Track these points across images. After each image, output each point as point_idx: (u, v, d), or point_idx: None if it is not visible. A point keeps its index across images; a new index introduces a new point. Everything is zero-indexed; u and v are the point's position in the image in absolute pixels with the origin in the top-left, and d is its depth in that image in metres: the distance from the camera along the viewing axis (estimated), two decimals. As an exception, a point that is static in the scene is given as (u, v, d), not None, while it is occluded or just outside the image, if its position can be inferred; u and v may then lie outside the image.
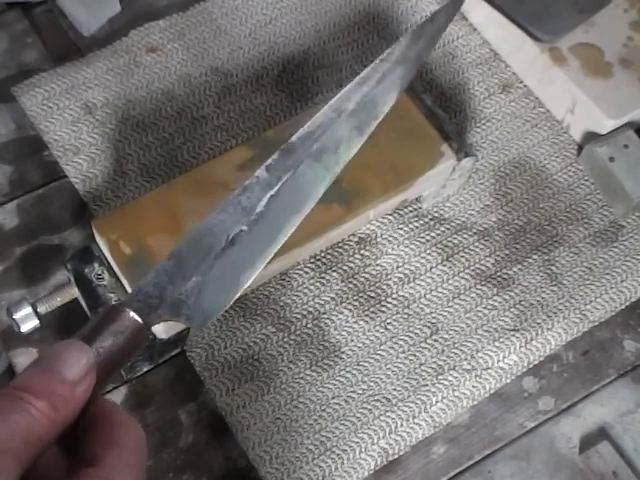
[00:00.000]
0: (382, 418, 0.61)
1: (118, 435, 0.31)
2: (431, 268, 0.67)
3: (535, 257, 0.68)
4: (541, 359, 0.65)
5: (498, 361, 0.64)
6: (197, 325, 0.38)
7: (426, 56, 0.47)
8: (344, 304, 0.65)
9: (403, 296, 0.65)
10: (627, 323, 0.68)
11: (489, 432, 0.63)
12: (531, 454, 0.63)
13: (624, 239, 0.70)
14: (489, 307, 0.66)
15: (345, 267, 0.66)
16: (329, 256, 0.66)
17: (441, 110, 0.65)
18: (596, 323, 0.67)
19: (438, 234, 0.68)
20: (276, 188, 0.42)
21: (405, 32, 0.47)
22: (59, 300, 0.57)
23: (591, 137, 0.71)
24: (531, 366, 0.65)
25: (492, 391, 0.64)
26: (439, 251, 0.68)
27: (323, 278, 0.65)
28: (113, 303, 0.35)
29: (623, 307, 0.68)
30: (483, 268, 0.67)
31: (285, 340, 0.63)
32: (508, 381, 0.64)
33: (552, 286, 0.67)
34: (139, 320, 0.34)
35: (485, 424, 0.63)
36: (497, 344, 0.64)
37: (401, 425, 0.61)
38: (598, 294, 0.67)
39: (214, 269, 0.38)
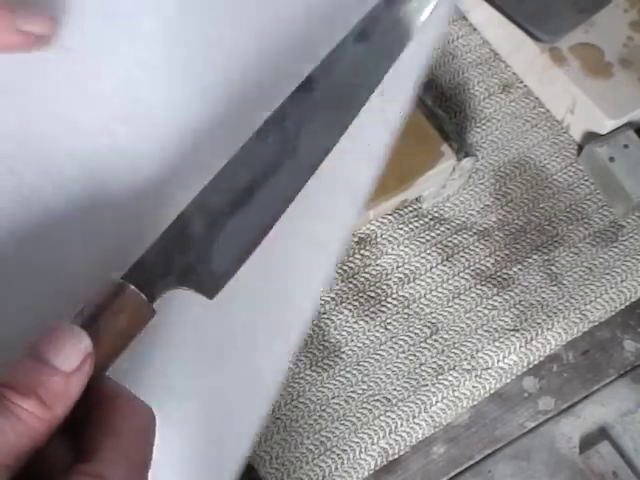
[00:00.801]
0: (382, 418, 0.61)
1: (116, 422, 0.27)
2: (431, 268, 0.67)
3: (535, 257, 0.68)
4: (541, 359, 0.65)
5: (498, 361, 0.64)
6: (208, 293, 0.35)
7: None
8: (344, 304, 0.65)
9: (403, 296, 0.65)
10: (627, 323, 0.68)
11: (489, 432, 0.63)
12: (531, 454, 0.63)
13: (624, 239, 0.70)
14: (489, 307, 0.66)
15: (345, 267, 0.66)
16: (329, 256, 0.66)
17: (441, 110, 0.66)
18: (596, 323, 0.67)
19: (438, 234, 0.68)
20: (293, 135, 0.36)
21: None
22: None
23: (591, 137, 0.71)
24: (531, 366, 0.65)
25: (492, 391, 0.64)
26: (439, 251, 0.68)
27: (323, 278, 0.65)
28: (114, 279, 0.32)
29: (623, 307, 0.68)
30: (483, 268, 0.67)
31: (285, 340, 0.63)
32: (508, 381, 0.64)
33: (552, 286, 0.67)
34: (142, 296, 0.31)
35: (485, 424, 0.63)
36: (497, 344, 0.64)
37: (401, 425, 0.61)
38: (598, 294, 0.67)
39: (226, 228, 0.35)
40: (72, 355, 0.27)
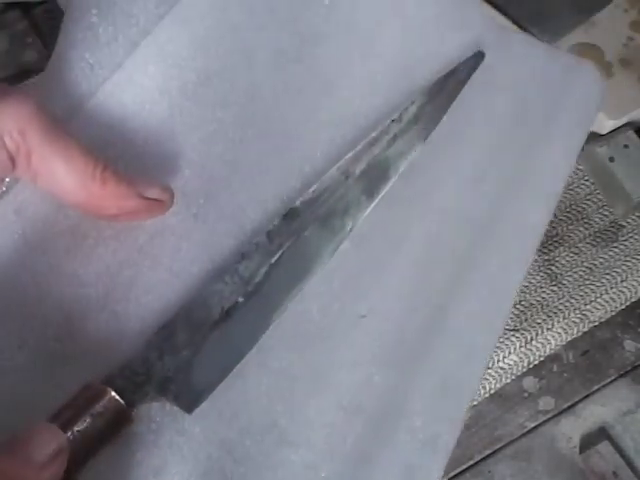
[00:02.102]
0: (382, 418, 0.61)
1: None
2: (431, 268, 0.67)
3: (535, 257, 0.68)
4: (541, 359, 0.65)
5: (498, 361, 0.64)
6: (185, 407, 0.35)
7: (444, 113, 0.45)
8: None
9: (403, 296, 0.65)
10: (627, 323, 0.68)
11: (489, 432, 0.63)
12: (531, 454, 0.62)
13: (624, 239, 0.70)
14: (489, 307, 0.66)
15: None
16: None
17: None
18: (596, 323, 0.67)
19: (438, 234, 0.68)
20: (277, 256, 0.38)
21: (420, 89, 0.45)
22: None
23: (591, 137, 0.71)
24: (531, 366, 0.65)
25: (492, 391, 0.64)
26: (439, 251, 0.67)
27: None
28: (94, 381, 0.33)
29: (623, 307, 0.68)
30: (483, 268, 0.67)
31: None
32: (508, 381, 0.64)
33: (552, 286, 0.67)
34: (121, 402, 0.32)
35: (485, 424, 0.63)
36: (497, 344, 0.64)
37: (401, 425, 0.61)
38: (598, 294, 0.67)
39: (207, 343, 0.36)
40: (46, 448, 0.28)
